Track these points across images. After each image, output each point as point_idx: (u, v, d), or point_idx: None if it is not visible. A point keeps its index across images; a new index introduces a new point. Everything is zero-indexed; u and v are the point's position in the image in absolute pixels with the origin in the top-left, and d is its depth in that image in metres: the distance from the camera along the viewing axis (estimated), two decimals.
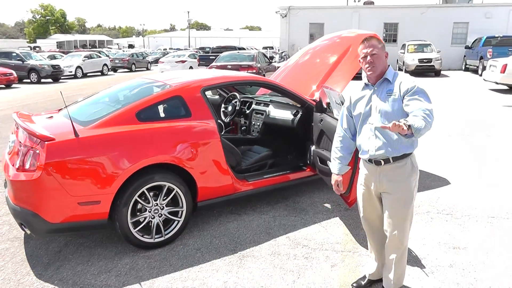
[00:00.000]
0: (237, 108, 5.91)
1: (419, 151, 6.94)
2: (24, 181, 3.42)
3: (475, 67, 23.29)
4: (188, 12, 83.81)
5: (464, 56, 26.10)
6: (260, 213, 4.70)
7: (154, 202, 3.85)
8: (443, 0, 34.83)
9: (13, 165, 3.64)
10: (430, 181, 5.69)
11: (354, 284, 3.29)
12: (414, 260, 3.65)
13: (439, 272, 3.47)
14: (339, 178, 3.13)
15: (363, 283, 3.28)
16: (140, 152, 3.69)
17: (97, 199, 3.55)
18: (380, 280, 3.18)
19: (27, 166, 3.47)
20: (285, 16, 32.74)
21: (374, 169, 2.88)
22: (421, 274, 3.45)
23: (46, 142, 3.42)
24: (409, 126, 2.37)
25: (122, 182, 3.61)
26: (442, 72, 23.66)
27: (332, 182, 3.17)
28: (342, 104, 4.39)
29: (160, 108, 4.08)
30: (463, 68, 26.20)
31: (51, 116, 4.30)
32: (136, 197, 3.70)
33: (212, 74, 4.98)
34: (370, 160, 2.88)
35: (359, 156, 2.99)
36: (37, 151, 3.43)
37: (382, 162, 2.82)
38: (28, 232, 3.59)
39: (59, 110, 4.66)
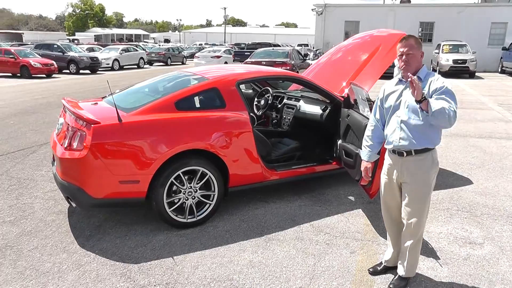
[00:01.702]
0: (269, 102, 6.16)
1: (445, 151, 7.06)
2: (72, 159, 3.78)
3: None
4: (225, 8, 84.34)
5: (501, 58, 25.50)
6: (287, 202, 4.95)
7: (188, 185, 4.16)
8: None
9: (61, 145, 4.02)
10: (453, 180, 5.81)
11: (371, 269, 3.51)
12: (429, 252, 3.84)
13: (453, 264, 3.64)
14: (369, 165, 3.37)
15: (379, 268, 3.49)
16: (178, 138, 4.00)
17: (137, 178, 3.88)
18: (395, 267, 3.38)
19: (74, 145, 3.83)
20: (321, 13, 32.71)
21: (397, 159, 3.09)
22: (435, 264, 3.63)
23: (92, 125, 3.77)
24: (427, 100, 2.67)
25: (160, 164, 3.93)
26: (477, 73, 23.26)
27: (362, 168, 3.40)
28: (368, 101, 4.60)
29: (197, 98, 4.37)
30: (499, 70, 25.64)
31: (96, 103, 4.67)
32: (172, 179, 4.02)
33: (246, 69, 5.27)
34: (394, 151, 3.10)
35: (385, 146, 3.21)
36: (84, 133, 3.78)
37: (405, 154, 3.03)
38: (74, 205, 3.97)
39: (103, 97, 5.03)
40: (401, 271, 3.27)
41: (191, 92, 4.36)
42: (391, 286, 3.25)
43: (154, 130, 3.95)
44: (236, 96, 4.54)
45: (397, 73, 11.22)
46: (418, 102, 2.73)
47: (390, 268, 3.46)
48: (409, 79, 2.67)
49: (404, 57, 2.98)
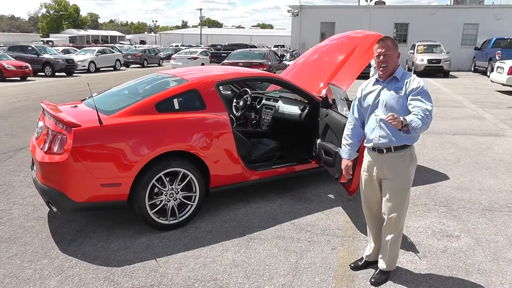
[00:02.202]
0: (248, 103, 6.21)
1: (422, 148, 7.22)
2: (52, 163, 3.75)
3: (484, 69, 23.43)
4: (201, 9, 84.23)
5: (474, 57, 26.18)
6: (267, 201, 5.00)
7: (170, 187, 4.16)
8: (454, 1, 34.81)
9: (41, 149, 3.98)
10: (430, 176, 5.96)
11: (352, 265, 3.58)
12: (408, 246, 3.94)
13: (432, 257, 3.75)
14: (349, 163, 3.44)
15: (360, 263, 3.57)
16: (159, 140, 4.01)
17: (118, 181, 3.87)
18: (376, 262, 3.46)
19: (55, 149, 3.80)
20: (297, 15, 32.95)
21: (377, 156, 3.18)
22: (415, 258, 3.73)
23: (73, 128, 3.74)
24: (406, 124, 2.73)
25: (141, 166, 3.92)
26: (451, 73, 23.80)
27: (343, 166, 3.47)
28: (346, 100, 4.69)
29: (178, 100, 4.38)
30: (472, 69, 26.29)
31: (76, 106, 4.63)
32: (153, 181, 4.02)
33: (225, 70, 5.30)
34: (373, 148, 3.18)
35: (364, 144, 3.29)
36: (65, 136, 3.76)
37: (384, 151, 3.12)
38: (55, 210, 3.93)
39: (82, 100, 4.99)
40: (382, 265, 3.35)
41: (171, 94, 4.36)
42: (372, 280, 3.33)
43: (135, 132, 3.95)
44: (216, 97, 4.57)
45: (373, 73, 11.43)
46: (400, 130, 2.80)
47: (371, 263, 3.54)
48: (387, 119, 2.74)
49: (381, 57, 3.07)
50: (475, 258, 3.73)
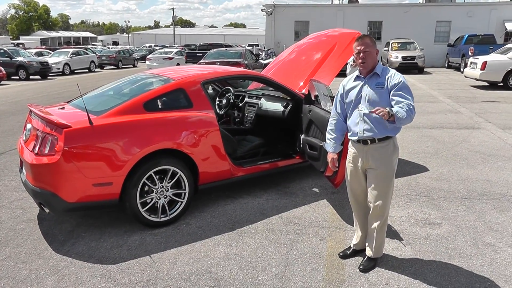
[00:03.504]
0: (231, 101, 6.30)
1: (401, 142, 7.44)
2: (44, 164, 3.78)
3: (457, 65, 24.08)
4: (173, 9, 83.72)
5: (447, 53, 26.87)
6: (254, 197, 5.12)
7: (160, 185, 4.24)
8: None
9: (31, 151, 4.00)
10: (410, 168, 6.18)
11: (341, 254, 3.73)
12: (393, 234, 4.11)
13: (415, 244, 3.93)
14: (335, 156, 3.58)
15: (348, 252, 3.72)
16: (148, 139, 4.08)
17: (110, 180, 3.93)
18: (364, 250, 3.62)
19: (46, 151, 3.82)
20: (271, 13, 33.13)
21: (361, 148, 3.33)
22: (399, 245, 3.90)
23: (63, 129, 3.78)
24: (392, 114, 2.90)
25: (132, 165, 3.99)
26: (425, 69, 24.32)
27: (329, 160, 3.60)
28: (329, 96, 4.83)
29: (165, 99, 4.46)
30: (446, 65, 26.96)
31: (63, 107, 4.65)
32: (144, 179, 4.09)
33: (209, 69, 5.38)
34: (358, 141, 3.32)
35: (349, 137, 3.44)
36: (56, 137, 3.79)
37: (369, 142, 3.27)
38: (47, 211, 3.96)
39: (68, 102, 5.01)
40: (369, 252, 3.51)
41: (158, 93, 4.43)
42: (361, 267, 3.49)
43: (125, 131, 4.01)
44: (202, 95, 4.65)
45: (349, 71, 11.64)
46: (387, 120, 2.97)
47: (358, 251, 3.70)
48: (376, 112, 2.93)
49: (361, 54, 3.23)
50: (456, 243, 3.93)
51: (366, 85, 3.27)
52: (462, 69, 21.79)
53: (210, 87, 7.16)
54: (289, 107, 5.63)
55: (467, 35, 23.84)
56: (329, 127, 3.61)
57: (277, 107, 5.85)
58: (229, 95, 6.37)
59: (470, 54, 20.60)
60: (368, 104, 3.22)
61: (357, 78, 3.37)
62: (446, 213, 4.59)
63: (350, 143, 3.48)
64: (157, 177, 4.22)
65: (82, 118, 3.96)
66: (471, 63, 16.09)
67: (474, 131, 8.59)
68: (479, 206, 4.79)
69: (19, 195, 5.19)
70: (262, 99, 6.21)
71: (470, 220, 4.41)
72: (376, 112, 2.91)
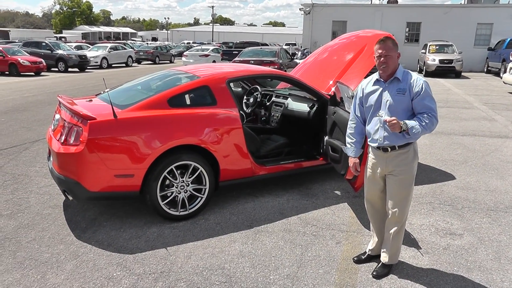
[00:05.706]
0: (258, 100, 6.33)
1: (430, 148, 7.29)
2: (69, 154, 3.92)
3: (497, 70, 23.20)
4: (213, 7, 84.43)
5: (487, 58, 25.93)
6: (275, 196, 5.13)
7: (180, 179, 4.31)
8: (468, 0, 34.48)
9: (58, 140, 4.15)
10: (436, 175, 6.04)
11: (355, 258, 3.69)
12: (411, 242, 4.03)
13: (434, 253, 3.84)
14: (356, 160, 3.53)
15: (363, 257, 3.68)
16: (171, 134, 4.16)
17: (131, 172, 4.03)
18: (379, 256, 3.57)
19: (71, 141, 3.96)
20: (309, 13, 32.95)
21: (382, 155, 3.28)
22: (417, 254, 3.83)
23: (88, 121, 3.91)
24: (405, 129, 2.98)
25: (153, 159, 4.08)
26: (463, 73, 23.66)
27: (350, 164, 3.57)
28: (353, 98, 4.78)
29: (189, 96, 4.53)
30: (485, 70, 26.07)
31: (91, 100, 4.80)
32: (165, 173, 4.17)
33: (236, 67, 5.43)
34: (378, 148, 3.28)
35: (368, 143, 3.39)
36: (81, 128, 3.92)
37: (389, 149, 3.22)
38: (70, 198, 4.11)
39: (96, 95, 5.15)
40: (384, 258, 3.46)
41: (183, 90, 4.51)
42: (374, 273, 3.45)
43: (148, 126, 4.10)
44: (227, 93, 4.70)
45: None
46: (400, 132, 3.00)
47: (373, 257, 3.65)
48: (387, 123, 2.99)
49: (382, 58, 3.15)
50: (477, 256, 3.82)
51: (387, 91, 3.20)
52: (501, 75, 21.06)
53: (239, 86, 7.21)
54: (314, 108, 5.61)
55: (509, 39, 22.91)
56: (348, 131, 3.57)
57: (303, 107, 5.84)
58: (257, 94, 6.40)
59: (511, 59, 19.83)
60: (388, 111, 3.16)
61: (377, 82, 3.30)
62: (470, 224, 4.47)
63: (370, 149, 3.44)
64: (178, 171, 4.29)
65: (107, 111, 4.07)
66: (510, 68, 15.51)
67: (508, 140, 8.31)
68: (506, 219, 4.63)
69: (47, 181, 5.38)
70: (289, 99, 6.22)
71: (495, 233, 4.27)
72: (388, 123, 2.91)
